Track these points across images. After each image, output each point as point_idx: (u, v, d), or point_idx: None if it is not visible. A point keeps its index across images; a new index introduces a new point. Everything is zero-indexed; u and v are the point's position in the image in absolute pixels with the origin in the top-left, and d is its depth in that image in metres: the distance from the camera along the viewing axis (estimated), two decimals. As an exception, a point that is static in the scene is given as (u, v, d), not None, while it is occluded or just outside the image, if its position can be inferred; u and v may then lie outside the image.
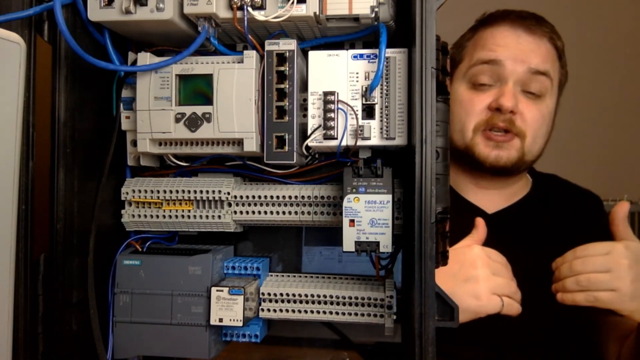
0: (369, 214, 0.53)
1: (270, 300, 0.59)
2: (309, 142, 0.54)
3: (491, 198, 0.89)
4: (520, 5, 0.89)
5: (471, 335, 0.76)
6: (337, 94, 0.54)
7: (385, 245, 0.53)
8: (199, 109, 0.54)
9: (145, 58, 0.55)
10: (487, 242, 0.84)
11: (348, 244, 0.53)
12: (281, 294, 0.59)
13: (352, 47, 0.58)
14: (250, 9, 0.51)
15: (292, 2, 0.51)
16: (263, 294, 0.59)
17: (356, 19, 0.52)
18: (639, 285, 0.67)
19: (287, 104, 0.53)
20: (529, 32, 0.84)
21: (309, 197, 0.57)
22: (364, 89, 0.54)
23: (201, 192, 0.58)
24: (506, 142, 0.82)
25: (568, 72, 0.90)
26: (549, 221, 0.88)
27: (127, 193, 0.59)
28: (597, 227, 0.88)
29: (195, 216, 0.58)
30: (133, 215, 0.59)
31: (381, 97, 0.53)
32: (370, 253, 0.54)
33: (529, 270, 0.81)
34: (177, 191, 0.58)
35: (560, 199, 0.93)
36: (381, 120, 0.53)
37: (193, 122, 0.54)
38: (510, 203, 0.90)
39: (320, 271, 0.65)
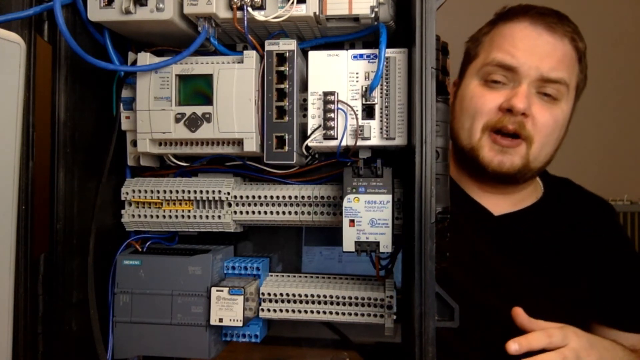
0: (369, 214, 0.53)
1: (270, 300, 0.59)
2: (309, 142, 0.54)
3: (497, 202, 0.86)
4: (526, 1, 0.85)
5: (475, 340, 0.76)
6: (337, 94, 0.54)
7: (385, 245, 0.53)
8: (199, 109, 0.54)
9: (145, 58, 0.55)
10: (491, 245, 0.83)
11: (348, 244, 0.53)
12: (281, 294, 0.59)
13: (352, 47, 0.58)
14: (250, 9, 0.51)
15: (292, 2, 0.51)
16: (263, 294, 0.59)
17: (356, 19, 0.52)
18: None
19: (287, 104, 0.53)
20: (550, 30, 0.79)
21: (309, 197, 0.57)
22: (363, 89, 0.54)
23: (201, 192, 0.58)
24: (512, 147, 0.79)
25: (587, 77, 0.85)
26: (561, 229, 0.85)
27: (127, 193, 0.59)
28: (610, 239, 0.86)
29: (195, 216, 0.58)
30: (133, 216, 0.59)
31: (381, 97, 0.53)
32: (370, 253, 0.54)
33: (531, 280, 0.81)
34: (177, 191, 0.58)
35: (572, 207, 0.89)
36: (381, 120, 0.53)
37: (193, 122, 0.54)
38: (520, 207, 0.86)
39: (320, 271, 0.65)
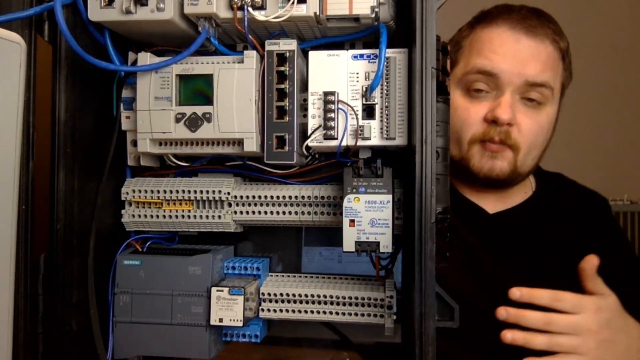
0: (369, 214, 0.53)
1: (270, 301, 0.59)
2: (309, 142, 0.54)
3: (488, 201, 0.86)
4: (520, 1, 0.84)
5: (465, 339, 0.76)
6: (337, 94, 0.54)
7: (385, 245, 0.53)
8: (199, 109, 0.54)
9: (145, 58, 0.55)
10: (487, 243, 0.84)
11: (348, 244, 0.53)
12: (281, 294, 0.59)
13: (352, 47, 0.58)
14: (250, 9, 0.51)
15: (293, 2, 0.51)
16: (263, 294, 0.59)
17: (356, 19, 0.52)
18: (602, 351, 0.65)
19: (287, 104, 0.53)
20: (530, 34, 0.78)
21: (309, 197, 0.57)
22: (364, 89, 0.54)
23: (201, 192, 0.58)
24: (500, 152, 0.79)
25: (572, 73, 0.85)
26: (554, 225, 0.85)
27: (127, 193, 0.59)
28: (604, 232, 0.86)
29: (195, 216, 0.58)
30: (133, 215, 0.59)
31: (381, 97, 0.53)
32: (370, 253, 0.54)
33: (529, 274, 0.81)
34: (177, 191, 0.58)
35: (565, 201, 0.89)
36: (381, 120, 0.53)
37: (193, 122, 0.54)
38: (510, 205, 0.87)
39: (320, 271, 0.65)
